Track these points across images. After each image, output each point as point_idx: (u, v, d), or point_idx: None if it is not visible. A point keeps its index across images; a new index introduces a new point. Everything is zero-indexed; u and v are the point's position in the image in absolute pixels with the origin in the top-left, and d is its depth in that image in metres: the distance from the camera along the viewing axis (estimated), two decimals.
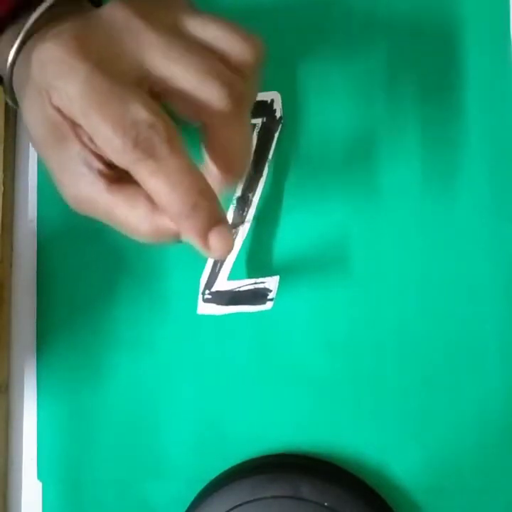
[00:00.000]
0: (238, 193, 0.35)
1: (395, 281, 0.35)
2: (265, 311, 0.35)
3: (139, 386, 0.35)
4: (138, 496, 0.35)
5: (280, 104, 0.35)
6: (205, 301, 0.34)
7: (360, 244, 0.35)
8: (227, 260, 0.34)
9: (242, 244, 0.34)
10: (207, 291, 0.34)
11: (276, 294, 0.35)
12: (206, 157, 0.27)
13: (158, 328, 0.36)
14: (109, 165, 0.25)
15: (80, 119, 0.24)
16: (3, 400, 0.36)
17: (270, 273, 0.34)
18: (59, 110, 0.24)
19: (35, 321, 0.36)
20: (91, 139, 0.24)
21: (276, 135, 0.35)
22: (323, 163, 0.35)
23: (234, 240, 0.25)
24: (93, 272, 0.36)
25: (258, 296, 0.34)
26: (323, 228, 0.35)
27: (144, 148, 0.23)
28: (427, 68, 0.35)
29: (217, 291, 0.34)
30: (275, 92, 0.35)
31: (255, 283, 0.34)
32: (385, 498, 0.33)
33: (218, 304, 0.34)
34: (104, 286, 0.36)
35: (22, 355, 0.36)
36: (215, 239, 0.24)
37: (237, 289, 0.34)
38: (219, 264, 0.34)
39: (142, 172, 0.23)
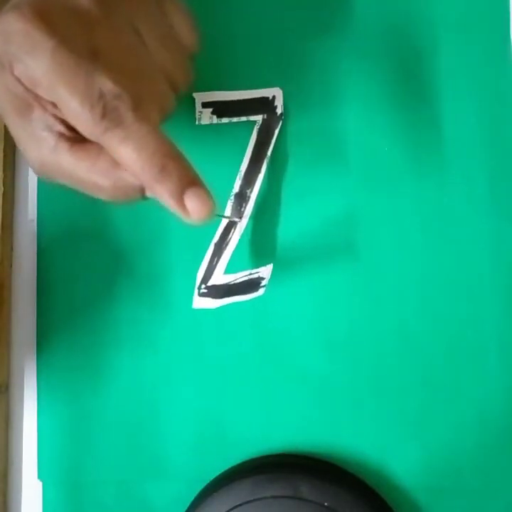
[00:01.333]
0: (236, 189, 0.35)
1: (396, 280, 0.35)
2: (262, 309, 0.35)
3: (139, 385, 0.35)
4: (138, 495, 0.35)
5: (281, 101, 0.35)
6: (201, 295, 0.34)
7: (360, 244, 0.35)
8: (224, 255, 0.34)
9: (240, 239, 0.34)
10: (203, 286, 0.34)
11: (278, 293, 0.35)
12: None
13: (158, 327, 0.36)
14: (71, 128, 0.25)
15: (46, 94, 0.24)
16: (3, 400, 0.36)
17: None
18: (20, 82, 0.24)
19: (35, 321, 0.36)
20: (53, 105, 0.25)
21: (276, 132, 0.35)
22: (322, 160, 0.35)
23: (214, 203, 0.26)
24: (93, 272, 0.36)
25: (253, 285, 0.34)
26: (322, 225, 0.35)
27: (112, 118, 0.24)
28: (427, 69, 0.35)
29: (213, 285, 0.34)
30: (277, 88, 0.35)
31: (250, 274, 0.34)
32: (385, 498, 0.33)
33: (214, 297, 0.34)
34: (104, 285, 0.36)
35: (22, 355, 0.36)
36: (190, 201, 0.25)
37: (232, 282, 0.34)
38: (216, 259, 0.34)
39: (111, 142, 0.24)
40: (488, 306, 0.34)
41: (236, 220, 0.34)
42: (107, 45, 0.25)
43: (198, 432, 0.35)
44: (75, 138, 0.25)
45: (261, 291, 0.33)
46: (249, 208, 0.34)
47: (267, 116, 0.35)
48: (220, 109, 0.35)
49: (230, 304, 0.34)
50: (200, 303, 0.34)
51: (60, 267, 0.36)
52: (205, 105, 0.35)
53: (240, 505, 0.32)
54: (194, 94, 0.35)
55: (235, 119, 0.35)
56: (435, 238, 0.35)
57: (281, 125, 0.35)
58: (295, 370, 0.35)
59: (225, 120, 0.35)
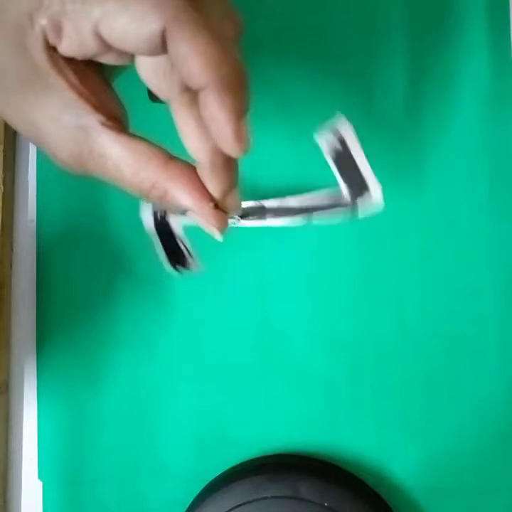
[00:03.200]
0: None
1: (396, 281, 0.35)
2: (262, 309, 0.35)
3: (139, 385, 0.35)
4: (138, 495, 0.35)
5: None
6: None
7: (360, 244, 0.35)
8: None
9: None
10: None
11: (278, 293, 0.35)
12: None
13: (158, 327, 0.36)
14: (111, 116, 0.22)
15: (86, 14, 0.20)
16: (3, 399, 0.36)
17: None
18: (45, 43, 0.20)
19: (35, 320, 0.36)
20: (83, 84, 0.21)
21: None
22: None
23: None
24: (93, 272, 0.36)
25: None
26: (322, 228, 0.35)
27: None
28: (427, 69, 0.35)
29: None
30: None
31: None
32: (385, 498, 0.33)
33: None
34: (104, 285, 0.36)
35: (22, 355, 0.36)
36: (232, 198, 0.24)
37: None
38: None
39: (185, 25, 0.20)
40: (488, 306, 0.34)
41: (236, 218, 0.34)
42: None
43: (198, 432, 0.35)
44: (117, 127, 0.22)
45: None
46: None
47: None
48: None
49: (229, 305, 0.34)
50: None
51: (59, 267, 0.36)
52: None
53: (240, 505, 0.32)
54: None
55: None
56: (435, 238, 0.35)
57: None
58: (295, 370, 0.35)
59: None
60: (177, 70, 0.21)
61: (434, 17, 0.36)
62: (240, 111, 0.21)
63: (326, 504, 0.32)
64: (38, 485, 0.36)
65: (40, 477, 0.35)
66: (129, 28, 0.20)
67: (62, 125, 0.22)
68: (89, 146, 0.22)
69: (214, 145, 0.22)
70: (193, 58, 0.20)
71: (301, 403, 0.34)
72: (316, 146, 0.32)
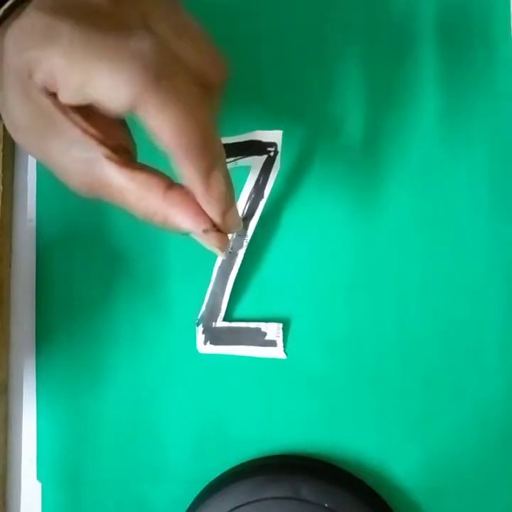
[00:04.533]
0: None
1: (396, 281, 0.35)
2: (264, 316, 0.35)
3: (138, 386, 0.35)
4: (137, 496, 0.35)
5: (280, 143, 0.33)
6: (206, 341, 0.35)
7: (360, 244, 0.35)
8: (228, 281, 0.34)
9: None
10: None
11: (277, 293, 0.35)
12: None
13: (157, 327, 0.35)
14: (114, 149, 0.24)
15: (78, 80, 0.21)
16: (2, 400, 0.36)
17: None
18: (45, 90, 0.23)
19: (35, 320, 0.36)
20: (87, 120, 0.23)
21: (274, 173, 0.34)
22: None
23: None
24: (92, 272, 0.36)
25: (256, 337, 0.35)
26: (322, 227, 0.35)
27: (157, 67, 0.21)
28: (427, 69, 0.35)
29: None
30: (277, 130, 0.33)
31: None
32: (385, 499, 0.33)
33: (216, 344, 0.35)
34: (103, 285, 0.36)
35: (21, 355, 0.36)
36: (230, 217, 0.25)
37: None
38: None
39: (158, 97, 0.22)
40: (488, 306, 0.34)
41: (238, 249, 0.34)
42: None
43: (198, 433, 0.35)
44: (120, 160, 0.24)
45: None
46: (246, 243, 0.34)
47: (264, 157, 0.34)
48: None
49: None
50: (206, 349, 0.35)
51: (59, 267, 0.36)
52: None
53: (240, 506, 0.32)
54: None
55: (230, 161, 0.34)
56: (435, 238, 0.35)
57: (279, 166, 0.34)
58: (295, 370, 0.35)
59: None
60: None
61: (434, 19, 0.36)
62: (207, 169, 0.23)
63: (326, 505, 0.32)
64: (37, 486, 0.35)
65: (39, 478, 0.35)
66: (104, 94, 0.22)
67: (72, 158, 0.24)
68: (96, 177, 0.24)
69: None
70: (158, 130, 0.22)
71: (301, 403, 0.34)
72: None
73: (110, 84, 0.21)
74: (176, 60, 0.23)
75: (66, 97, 0.22)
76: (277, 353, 0.34)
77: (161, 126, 0.22)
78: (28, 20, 0.22)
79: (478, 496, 0.33)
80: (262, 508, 0.32)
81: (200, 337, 0.35)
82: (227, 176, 0.25)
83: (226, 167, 0.25)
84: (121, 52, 0.21)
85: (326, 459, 0.34)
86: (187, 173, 0.23)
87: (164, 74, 0.22)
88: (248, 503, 0.32)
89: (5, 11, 0.25)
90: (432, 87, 0.35)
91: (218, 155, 0.24)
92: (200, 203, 0.25)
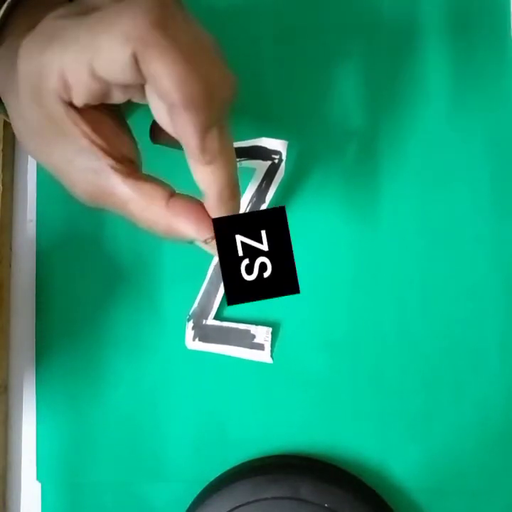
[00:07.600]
0: None
1: (396, 281, 0.35)
2: (264, 316, 0.35)
3: (138, 386, 0.35)
4: (137, 497, 0.35)
5: (285, 150, 0.33)
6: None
7: (360, 244, 0.35)
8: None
9: None
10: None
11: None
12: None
13: (157, 327, 0.35)
14: (119, 160, 0.24)
15: (81, 63, 0.21)
16: (2, 401, 0.36)
17: None
18: (59, 98, 0.23)
19: (35, 321, 0.36)
20: (95, 130, 0.23)
21: (277, 179, 0.34)
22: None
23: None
24: (92, 273, 0.36)
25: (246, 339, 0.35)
26: (321, 226, 0.35)
27: (157, 10, 0.21)
28: (427, 69, 0.35)
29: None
30: (282, 140, 0.34)
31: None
32: (385, 499, 0.33)
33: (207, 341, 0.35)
34: (103, 286, 0.36)
35: (21, 356, 0.36)
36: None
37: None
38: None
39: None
40: (489, 306, 0.34)
41: None
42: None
43: (198, 433, 0.35)
44: (125, 170, 0.24)
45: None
46: None
47: (268, 163, 0.34)
48: None
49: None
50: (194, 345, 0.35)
51: (59, 268, 0.36)
52: None
53: (240, 506, 0.32)
54: None
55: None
56: (435, 239, 0.35)
57: (283, 172, 0.34)
58: (295, 370, 0.35)
59: None
60: (155, 90, 0.22)
61: (433, 19, 0.36)
62: (205, 126, 0.22)
63: (326, 505, 0.32)
64: (37, 486, 0.35)
65: (38, 478, 0.35)
66: (107, 58, 0.21)
67: (77, 167, 0.24)
68: (100, 186, 0.24)
69: (221, 181, 0.24)
70: (161, 77, 0.21)
71: (301, 403, 0.34)
72: None
73: (109, 40, 0.21)
74: (177, 9, 0.22)
75: (81, 92, 0.22)
76: (264, 356, 0.34)
77: (161, 73, 0.21)
78: (38, 29, 0.23)
79: (478, 496, 0.33)
80: (262, 508, 0.32)
81: (189, 333, 0.35)
82: (227, 137, 0.23)
83: (228, 129, 0.24)
84: (120, 12, 0.21)
85: (326, 459, 0.34)
86: (183, 128, 0.22)
87: (165, 17, 0.21)
88: (248, 503, 0.32)
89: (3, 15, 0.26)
90: (432, 89, 0.35)
91: (219, 113, 0.23)
92: (210, 210, 0.25)
